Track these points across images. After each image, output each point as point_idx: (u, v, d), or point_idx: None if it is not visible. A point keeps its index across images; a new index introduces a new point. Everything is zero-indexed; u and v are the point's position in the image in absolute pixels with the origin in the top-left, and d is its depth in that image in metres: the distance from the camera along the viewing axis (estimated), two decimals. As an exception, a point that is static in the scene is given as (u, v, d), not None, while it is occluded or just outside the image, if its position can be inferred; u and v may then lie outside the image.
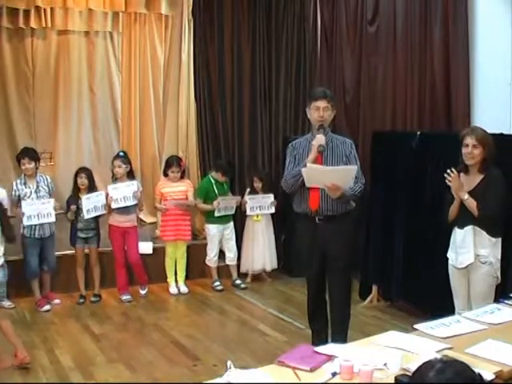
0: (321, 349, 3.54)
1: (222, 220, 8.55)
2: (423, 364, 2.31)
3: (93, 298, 7.94)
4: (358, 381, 3.12)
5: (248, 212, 8.70)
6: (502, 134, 6.00)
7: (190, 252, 8.67)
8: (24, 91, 10.59)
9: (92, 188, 7.82)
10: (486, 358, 3.39)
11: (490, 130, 5.33)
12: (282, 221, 8.98)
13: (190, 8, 9.38)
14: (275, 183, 9.03)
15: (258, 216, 8.76)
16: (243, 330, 7.08)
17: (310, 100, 5.66)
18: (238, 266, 8.85)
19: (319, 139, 5.44)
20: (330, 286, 5.76)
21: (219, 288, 8.49)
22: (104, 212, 7.79)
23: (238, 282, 8.68)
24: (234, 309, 7.81)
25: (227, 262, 8.73)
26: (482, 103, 7.32)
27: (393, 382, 3.12)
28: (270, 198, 8.70)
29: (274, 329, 7.02)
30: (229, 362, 3.22)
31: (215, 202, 8.36)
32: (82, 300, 7.89)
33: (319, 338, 5.59)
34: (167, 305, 8.12)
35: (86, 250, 7.93)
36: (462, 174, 5.28)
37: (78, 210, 7.64)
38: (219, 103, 9.43)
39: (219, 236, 8.60)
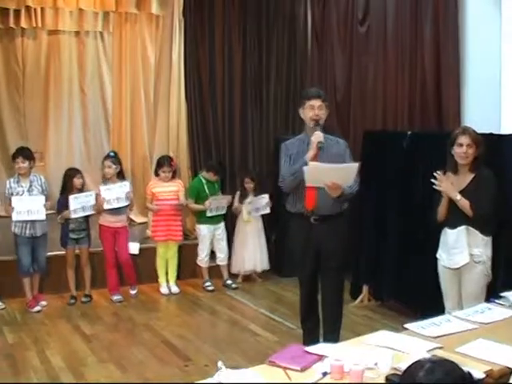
0: (311, 349, 3.54)
1: (213, 220, 8.54)
2: (413, 364, 2.31)
3: (84, 299, 7.92)
4: (348, 380, 3.12)
5: (245, 217, 8.69)
6: (491, 134, 6.02)
7: (181, 252, 8.65)
8: (14, 91, 10.59)
9: (82, 189, 7.80)
10: (477, 357, 3.40)
11: (480, 130, 5.34)
12: (273, 221, 8.97)
13: (181, 8, 9.37)
14: (266, 183, 9.07)
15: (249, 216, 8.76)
16: (234, 330, 7.08)
17: (304, 100, 5.64)
18: (229, 266, 8.83)
19: (318, 136, 5.43)
20: (322, 286, 5.76)
21: (210, 288, 8.48)
22: (92, 212, 7.75)
23: (229, 282, 8.68)
24: (225, 309, 7.81)
25: (218, 263, 8.72)
26: (473, 103, 7.35)
27: (383, 381, 3.13)
28: (265, 198, 8.69)
29: (265, 329, 7.02)
30: (220, 362, 3.22)
31: (207, 202, 8.35)
32: (72, 301, 7.86)
33: (311, 338, 5.58)
34: (158, 305, 8.11)
35: (77, 251, 7.90)
36: (451, 174, 5.28)
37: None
38: (210, 103, 9.44)
39: (210, 236, 8.59)
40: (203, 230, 8.56)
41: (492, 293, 5.00)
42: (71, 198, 7.58)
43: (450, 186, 5.22)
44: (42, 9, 9.99)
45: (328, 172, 5.37)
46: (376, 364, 3.25)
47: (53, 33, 10.66)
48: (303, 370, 3.27)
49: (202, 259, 8.62)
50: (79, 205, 7.59)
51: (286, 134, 8.99)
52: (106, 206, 7.71)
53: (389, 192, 7.29)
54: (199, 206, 8.45)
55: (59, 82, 10.86)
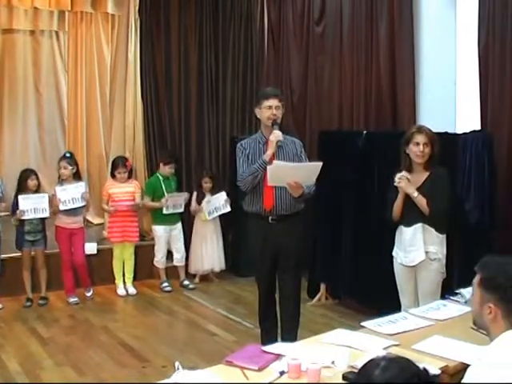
0: (269, 348, 3.55)
1: (170, 220, 8.50)
2: (368, 362, 2.32)
3: (40, 301, 7.82)
4: (305, 379, 3.13)
5: (208, 217, 8.65)
6: (446, 133, 6.09)
7: (137, 253, 8.60)
8: (-32, 90, 10.47)
9: (38, 189, 7.71)
10: (433, 353, 3.44)
11: (435, 129, 5.38)
12: (230, 221, 8.97)
13: (137, 7, 9.31)
14: (223, 183, 9.06)
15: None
16: (192, 331, 7.07)
17: (261, 99, 5.64)
18: (186, 266, 8.80)
19: (277, 134, 5.45)
20: (280, 286, 5.78)
21: (167, 289, 8.45)
22: (46, 215, 7.62)
23: (186, 282, 8.65)
24: (182, 309, 7.79)
25: (175, 263, 8.68)
26: (427, 102, 7.41)
27: (340, 379, 3.14)
28: (223, 195, 8.66)
29: (222, 329, 7.02)
30: (177, 363, 3.21)
31: (163, 200, 8.30)
32: (28, 303, 7.76)
33: (269, 338, 5.58)
34: (115, 306, 8.05)
35: (33, 253, 7.81)
36: (406, 172, 5.32)
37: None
38: (166, 103, 9.41)
39: (166, 237, 8.55)
40: (159, 230, 8.53)
41: (447, 290, 5.06)
42: (20, 198, 7.48)
43: (407, 182, 5.25)
44: (-4, 7, 9.88)
45: (291, 171, 5.39)
46: (333, 362, 3.27)
47: (7, 32, 10.56)
48: (260, 369, 3.28)
49: (159, 260, 8.58)
50: (30, 206, 7.47)
51: (242, 133, 9.01)
52: (62, 207, 7.62)
53: (344, 191, 7.33)
54: (155, 204, 8.41)
55: (14, 81, 10.75)
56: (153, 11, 9.29)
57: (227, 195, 8.65)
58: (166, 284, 8.51)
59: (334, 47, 8.53)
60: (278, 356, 3.41)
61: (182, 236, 8.69)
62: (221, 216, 8.85)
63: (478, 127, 6.51)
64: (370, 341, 3.66)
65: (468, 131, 6.32)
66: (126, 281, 8.45)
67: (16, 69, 10.75)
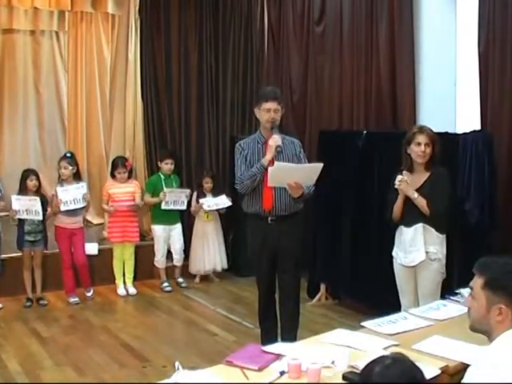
0: (269, 348, 3.55)
1: (169, 220, 8.50)
2: (375, 359, 2.33)
3: (40, 302, 7.82)
4: (305, 379, 3.13)
5: (206, 209, 8.61)
6: (447, 133, 6.09)
7: (137, 253, 8.60)
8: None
9: (38, 190, 7.71)
10: (433, 353, 3.45)
11: (435, 129, 5.38)
12: (231, 221, 8.97)
13: (137, 7, 9.31)
14: (223, 183, 9.06)
15: (207, 216, 8.73)
16: (192, 331, 7.06)
17: (260, 101, 5.62)
18: (188, 266, 8.80)
19: (276, 140, 5.45)
20: (280, 286, 5.79)
21: (168, 289, 8.45)
22: (38, 218, 7.55)
23: (180, 280, 8.68)
24: (182, 309, 7.78)
25: (174, 263, 8.69)
26: (428, 102, 7.41)
27: (340, 379, 3.14)
28: (223, 198, 8.66)
29: (222, 329, 7.02)
30: (177, 363, 3.21)
31: (161, 194, 8.26)
32: (28, 303, 7.76)
33: (268, 338, 5.58)
34: (115, 306, 8.05)
35: (33, 253, 7.79)
36: (406, 173, 5.31)
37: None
38: (166, 103, 9.40)
39: (166, 237, 8.55)
40: (158, 230, 8.53)
41: (447, 290, 5.06)
42: (13, 198, 7.47)
43: (407, 184, 5.25)
44: (-4, 7, 9.88)
45: (292, 172, 5.40)
46: (333, 362, 3.27)
47: (7, 32, 10.55)
48: (261, 369, 3.28)
49: (159, 260, 8.59)
50: (22, 207, 7.46)
51: (242, 133, 9.01)
52: (63, 208, 7.61)
53: (344, 191, 7.33)
54: (154, 199, 8.39)
55: (14, 81, 10.75)
56: (153, 11, 9.28)
57: (227, 195, 8.63)
58: (166, 284, 8.51)
59: (334, 47, 8.53)
60: (278, 356, 3.42)
61: (182, 237, 8.68)
62: (221, 216, 8.86)
63: (478, 127, 6.51)
64: (369, 341, 3.66)
65: (468, 131, 6.32)
66: (126, 281, 8.44)
67: (16, 69, 10.74)
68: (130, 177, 8.37)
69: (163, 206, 8.31)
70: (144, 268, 8.74)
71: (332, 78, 8.62)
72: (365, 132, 7.24)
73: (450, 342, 3.61)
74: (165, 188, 8.36)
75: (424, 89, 7.44)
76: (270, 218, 5.57)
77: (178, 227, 8.64)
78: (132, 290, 8.35)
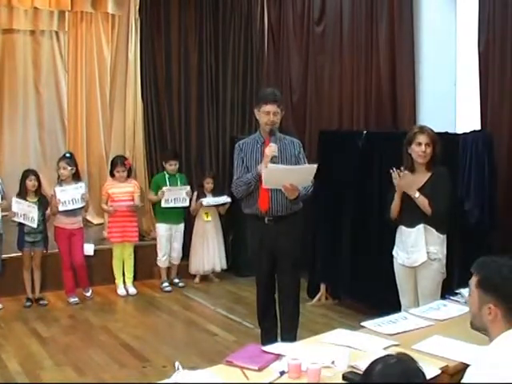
0: (269, 348, 3.55)
1: (173, 220, 8.50)
2: (380, 357, 2.33)
3: (40, 302, 7.82)
4: (305, 379, 3.13)
5: (205, 204, 8.62)
6: (447, 133, 6.09)
7: (137, 253, 8.60)
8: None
9: (38, 190, 7.70)
10: (433, 353, 3.44)
11: (435, 129, 5.37)
12: (231, 221, 8.98)
13: (137, 7, 9.31)
14: (224, 183, 9.06)
15: (207, 216, 8.73)
16: (192, 331, 7.06)
17: (260, 103, 5.61)
18: (181, 266, 8.80)
19: (273, 148, 5.43)
20: (279, 286, 5.78)
21: (168, 289, 8.46)
22: (33, 225, 7.50)
23: (176, 280, 8.70)
24: (182, 309, 7.78)
25: (171, 261, 8.71)
26: (428, 102, 7.41)
27: (340, 379, 3.14)
28: (225, 197, 8.65)
29: (222, 329, 7.02)
30: (177, 363, 3.21)
31: (160, 192, 8.28)
32: (28, 303, 7.76)
33: (268, 337, 5.58)
34: (115, 306, 8.05)
35: (33, 253, 7.79)
36: (407, 173, 5.31)
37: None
38: (166, 103, 9.40)
39: (168, 236, 8.54)
40: (161, 228, 8.53)
41: (447, 290, 5.06)
42: (13, 200, 7.47)
43: (408, 183, 5.23)
44: (-4, 7, 9.88)
45: (286, 174, 5.39)
46: (333, 362, 3.27)
47: (7, 32, 10.55)
48: (261, 369, 3.28)
49: (160, 259, 8.58)
50: (20, 211, 7.45)
51: (242, 133, 9.01)
52: (62, 208, 7.60)
53: (344, 191, 7.33)
54: (155, 197, 8.43)
55: (14, 81, 10.75)
56: (153, 11, 9.28)
57: (227, 196, 8.62)
58: (166, 284, 8.51)
59: (334, 47, 8.53)
60: (278, 356, 3.42)
61: (182, 237, 8.69)
62: (221, 216, 8.87)
63: (478, 127, 6.52)
64: (370, 341, 3.66)
65: (468, 131, 6.32)
66: (126, 281, 8.44)
67: (16, 69, 10.74)
68: (129, 176, 8.37)
69: (163, 204, 8.32)
70: (144, 268, 8.74)
71: (332, 78, 8.63)
72: (365, 132, 7.24)
73: (450, 342, 3.61)
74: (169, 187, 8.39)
75: (424, 89, 7.44)
76: (267, 219, 5.57)
77: (181, 228, 8.65)
78: (132, 290, 8.35)
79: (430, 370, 3.06)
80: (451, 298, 4.60)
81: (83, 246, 8.05)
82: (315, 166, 5.42)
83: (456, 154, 6.01)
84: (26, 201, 7.53)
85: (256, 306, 5.95)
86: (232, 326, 7.15)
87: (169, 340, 6.77)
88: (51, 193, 7.79)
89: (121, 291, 8.34)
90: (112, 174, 8.30)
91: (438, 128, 5.59)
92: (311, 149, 8.11)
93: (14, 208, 7.42)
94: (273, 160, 5.41)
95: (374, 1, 7.79)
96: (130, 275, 8.46)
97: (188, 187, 8.53)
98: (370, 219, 6.92)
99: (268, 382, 3.14)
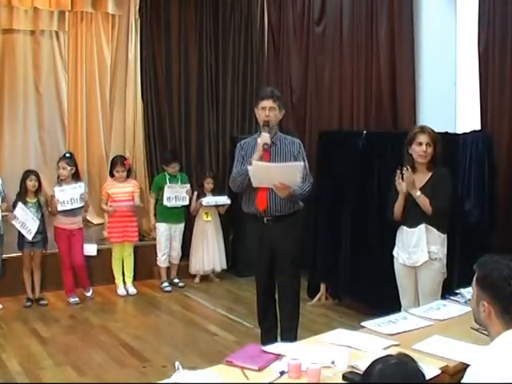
0: (269, 348, 3.55)
1: (173, 219, 8.51)
2: (380, 357, 2.33)
3: (40, 302, 7.82)
4: (305, 379, 3.13)
5: (204, 203, 8.62)
6: (447, 133, 6.09)
7: (137, 253, 8.60)
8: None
9: (38, 190, 7.70)
10: (433, 353, 3.44)
11: (435, 129, 5.38)
12: (231, 220, 8.98)
13: (137, 7, 9.33)
14: (224, 183, 9.05)
15: (207, 216, 8.73)
16: (192, 331, 7.05)
17: (257, 100, 5.68)
18: (181, 266, 8.81)
19: (264, 137, 5.44)
20: (279, 285, 5.78)
21: (168, 289, 8.46)
22: (28, 237, 7.50)
23: (176, 280, 8.70)
24: (182, 309, 7.78)
25: (170, 260, 8.70)
26: (428, 102, 7.41)
27: (340, 379, 3.14)
28: (225, 198, 8.66)
29: (222, 329, 7.01)
30: (177, 363, 3.21)
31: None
32: (28, 303, 7.76)
33: (268, 338, 5.58)
34: (115, 306, 8.05)
35: (32, 254, 7.79)
36: (410, 171, 5.30)
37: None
38: (166, 103, 9.41)
39: (168, 235, 8.55)
40: (161, 227, 8.53)
41: (447, 290, 5.06)
42: (19, 204, 7.44)
43: (412, 182, 5.23)
44: (-4, 7, 9.87)
45: (272, 171, 5.39)
46: (333, 362, 3.27)
47: (7, 32, 10.53)
48: (261, 369, 3.28)
49: (159, 258, 8.59)
50: (21, 217, 7.39)
51: (242, 133, 9.03)
52: (60, 208, 7.59)
53: (345, 191, 7.33)
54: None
55: (14, 81, 10.73)
56: (153, 11, 9.29)
57: (228, 196, 8.62)
58: (166, 284, 8.52)
59: (334, 47, 8.53)
60: (278, 356, 3.41)
61: (181, 236, 8.69)
62: (221, 216, 8.87)
63: (478, 127, 6.52)
64: (370, 341, 3.66)
65: (468, 131, 6.32)
66: (126, 280, 8.44)
67: (16, 69, 10.72)
68: (128, 176, 8.37)
69: (165, 203, 8.34)
70: (144, 268, 8.74)
71: (332, 78, 8.63)
72: (365, 132, 7.24)
73: (450, 342, 3.61)
74: None
75: (424, 89, 7.45)
76: (265, 218, 5.57)
77: (181, 227, 8.66)
78: (132, 290, 8.35)
79: (430, 370, 3.06)
80: (451, 297, 4.59)
81: (83, 247, 8.04)
82: (299, 163, 5.41)
83: (456, 154, 6.01)
84: (28, 204, 7.54)
85: (256, 306, 5.95)
86: (232, 325, 7.14)
87: (169, 340, 6.77)
88: (51, 193, 7.78)
89: (121, 291, 8.34)
90: (112, 174, 8.30)
91: (438, 128, 5.59)
92: (311, 149, 8.10)
93: (17, 212, 7.41)
94: (264, 147, 5.43)
95: (374, 1, 7.79)
96: (129, 275, 8.47)
97: (188, 185, 8.54)
98: (370, 219, 6.92)
99: (268, 382, 3.14)
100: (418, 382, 2.29)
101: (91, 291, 8.14)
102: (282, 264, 5.62)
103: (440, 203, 5.19)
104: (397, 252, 5.51)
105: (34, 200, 7.64)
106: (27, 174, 7.71)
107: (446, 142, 5.43)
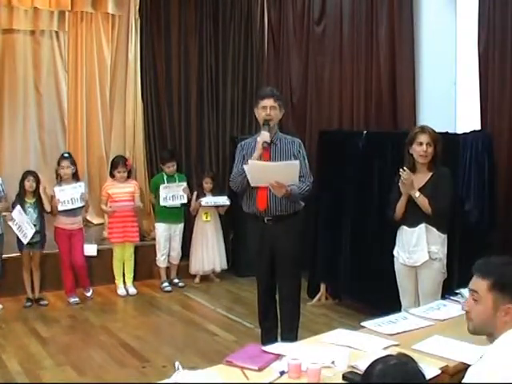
0: (269, 348, 3.55)
1: (172, 219, 8.52)
2: (380, 358, 2.33)
3: (40, 302, 7.82)
4: (305, 379, 3.13)
5: (203, 204, 8.61)
6: (447, 133, 6.09)
7: (137, 253, 8.60)
8: (-32, 91, 10.45)
9: (37, 191, 7.70)
10: (433, 353, 3.44)
11: (435, 129, 5.38)
12: (231, 220, 8.98)
13: (137, 7, 9.32)
14: (224, 184, 9.06)
15: (206, 216, 8.73)
16: (192, 331, 7.05)
17: (258, 99, 5.68)
18: (181, 266, 8.81)
19: (264, 136, 5.44)
20: (279, 286, 5.78)
21: (168, 289, 8.46)
22: (24, 241, 7.50)
23: (176, 280, 8.70)
24: (182, 309, 7.78)
25: (170, 260, 8.71)
26: (427, 102, 7.42)
27: (340, 379, 3.14)
28: (224, 199, 8.66)
29: (222, 329, 7.01)
30: (177, 363, 3.21)
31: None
32: (28, 303, 7.76)
33: (269, 338, 5.58)
34: (115, 306, 8.05)
35: (32, 254, 7.79)
36: (409, 172, 5.30)
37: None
38: (166, 103, 9.40)
39: (167, 235, 8.55)
40: (160, 228, 8.54)
41: (447, 290, 5.07)
42: (17, 208, 7.42)
43: (411, 182, 5.23)
44: (-4, 7, 9.86)
45: (268, 170, 5.40)
46: (333, 362, 3.27)
47: (7, 32, 10.52)
48: (261, 369, 3.28)
49: (159, 258, 8.59)
50: (18, 220, 7.40)
51: (242, 133, 9.03)
52: (61, 207, 7.59)
53: (345, 191, 7.32)
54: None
55: (14, 81, 10.72)
56: (153, 11, 9.29)
57: (227, 196, 8.62)
58: (166, 284, 8.51)
59: (334, 47, 8.53)
60: (278, 356, 3.41)
61: (181, 236, 8.69)
62: (221, 216, 8.87)
63: (478, 127, 6.52)
64: (370, 341, 3.66)
65: (468, 131, 6.33)
66: (126, 281, 8.44)
67: (16, 69, 10.71)
68: (129, 176, 8.37)
69: (162, 203, 8.33)
70: (144, 268, 8.74)
71: (332, 78, 8.63)
72: (365, 132, 7.24)
73: (450, 342, 3.61)
74: None
75: (424, 89, 7.45)
76: (266, 218, 5.57)
77: (180, 227, 8.66)
78: (132, 290, 8.35)
79: (430, 370, 3.06)
80: (451, 297, 4.59)
81: (83, 247, 8.04)
82: (296, 162, 5.41)
83: (456, 154, 6.01)
84: (26, 204, 7.54)
85: (257, 307, 5.95)
86: (232, 325, 7.14)
87: (169, 340, 6.77)
88: (51, 193, 7.77)
89: (121, 291, 8.34)
90: (112, 175, 8.30)
91: (438, 128, 5.59)
92: (311, 149, 8.10)
93: (14, 215, 7.41)
94: (263, 146, 5.42)
95: (374, 1, 7.79)
96: (130, 275, 8.46)
97: (184, 183, 8.52)
98: (370, 219, 6.92)
99: (268, 382, 3.14)
100: (419, 382, 2.29)
101: (91, 291, 8.14)
102: (283, 264, 5.62)
103: (440, 203, 5.19)
104: (397, 252, 5.51)
105: (33, 200, 7.64)
106: (25, 174, 7.71)
107: (445, 142, 5.42)
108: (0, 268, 7.62)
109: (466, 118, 7.08)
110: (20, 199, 7.58)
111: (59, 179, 7.79)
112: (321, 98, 8.86)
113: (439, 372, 3.21)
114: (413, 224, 5.32)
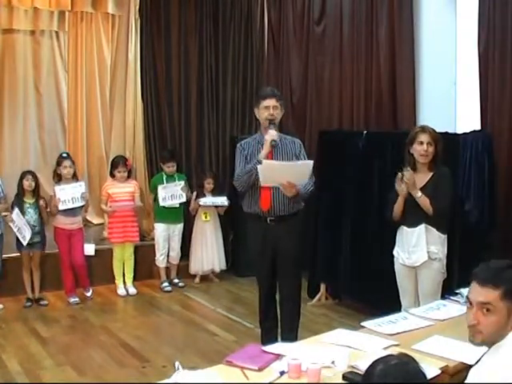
0: (269, 348, 3.55)
1: (172, 219, 8.51)
2: (381, 357, 2.33)
3: (40, 302, 7.81)
4: (305, 379, 3.13)
5: (201, 203, 8.62)
6: (447, 133, 6.08)
7: (137, 253, 8.60)
8: (-32, 91, 10.44)
9: (36, 191, 7.69)
10: (433, 353, 3.45)
11: (435, 129, 5.38)
12: (231, 220, 8.97)
13: (137, 7, 9.33)
14: (224, 183, 9.06)
15: (206, 216, 8.72)
16: (192, 331, 7.05)
17: (259, 99, 5.67)
18: (181, 266, 8.81)
19: (272, 134, 5.44)
20: (280, 286, 5.78)
21: (167, 289, 8.45)
22: (23, 242, 7.50)
23: (176, 280, 8.70)
24: (182, 309, 7.78)
25: (169, 260, 8.71)
26: (427, 102, 7.42)
27: (340, 379, 3.14)
28: (223, 199, 8.66)
29: (222, 329, 7.01)
30: (177, 363, 3.21)
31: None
32: (28, 303, 7.76)
33: (269, 338, 5.58)
34: (115, 306, 8.04)
35: (31, 254, 7.78)
36: (411, 171, 5.30)
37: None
38: (166, 103, 9.41)
39: (166, 235, 8.55)
40: (159, 228, 8.54)
41: (447, 290, 5.07)
42: (15, 210, 7.42)
43: (413, 182, 5.23)
44: (-4, 7, 9.86)
45: (282, 170, 5.38)
46: (333, 362, 3.27)
47: (7, 32, 10.51)
48: (261, 369, 3.28)
49: (158, 258, 8.59)
50: (17, 222, 7.41)
51: (242, 133, 9.02)
52: (61, 207, 7.58)
53: (345, 191, 7.32)
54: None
55: (14, 81, 10.71)
56: (153, 11, 9.29)
57: (227, 197, 8.62)
58: (166, 284, 8.51)
59: (334, 47, 8.53)
60: (278, 356, 3.42)
61: (180, 236, 8.69)
62: (221, 216, 8.86)
63: (478, 127, 6.52)
64: (370, 341, 3.66)
65: (468, 131, 6.32)
66: (126, 281, 8.44)
67: (16, 69, 10.71)
68: (129, 176, 8.37)
69: (161, 203, 8.33)
70: (144, 268, 8.74)
71: (332, 78, 8.63)
72: (365, 132, 7.23)
73: (450, 342, 3.61)
74: None
75: (424, 89, 7.45)
76: (268, 219, 5.57)
77: (179, 227, 8.65)
78: (132, 290, 8.35)
79: (430, 370, 3.06)
80: (451, 297, 4.59)
81: (83, 247, 8.04)
82: (310, 162, 5.43)
83: (456, 154, 6.01)
84: (25, 204, 7.54)
85: (258, 306, 5.96)
86: (232, 325, 7.14)
87: (169, 340, 6.77)
88: (51, 193, 7.77)
89: (121, 291, 8.33)
90: (112, 175, 8.29)
91: (438, 128, 5.58)
92: (311, 149, 8.09)
93: (14, 216, 7.41)
94: (272, 144, 5.43)
95: (374, 1, 7.79)
96: (130, 275, 8.46)
97: (182, 182, 8.48)
98: (370, 219, 6.92)
99: (268, 382, 3.14)
100: (420, 382, 2.29)
101: (91, 291, 8.14)
102: (284, 264, 5.63)
103: (440, 203, 5.19)
104: (397, 252, 5.51)
105: (32, 200, 7.63)
106: (24, 174, 7.70)
107: (446, 142, 5.42)
108: (0, 268, 7.62)
109: (466, 118, 7.08)
110: (19, 199, 7.58)
111: (57, 179, 7.78)
112: (321, 97, 8.86)
113: (439, 372, 3.22)
114: (413, 224, 5.31)
